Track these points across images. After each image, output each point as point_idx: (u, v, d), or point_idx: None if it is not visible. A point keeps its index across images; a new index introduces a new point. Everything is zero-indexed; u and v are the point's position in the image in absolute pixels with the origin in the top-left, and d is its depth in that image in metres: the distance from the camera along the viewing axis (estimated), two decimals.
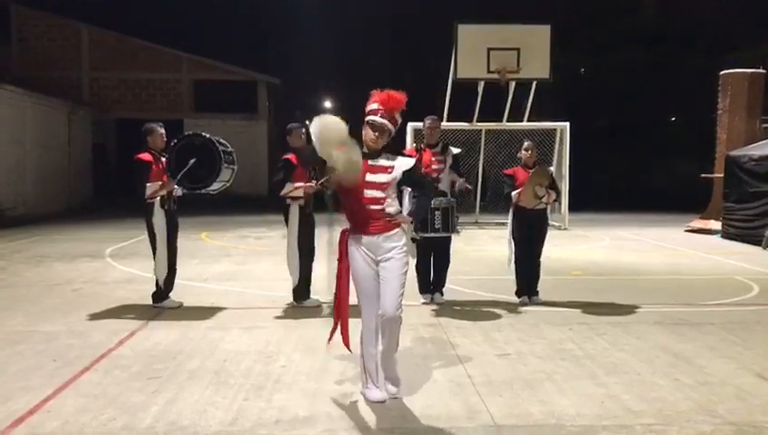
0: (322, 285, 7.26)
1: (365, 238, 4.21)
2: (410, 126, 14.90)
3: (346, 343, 4.45)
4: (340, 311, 4.41)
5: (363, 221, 4.22)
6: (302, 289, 6.99)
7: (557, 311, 6.89)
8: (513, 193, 7.09)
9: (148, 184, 6.63)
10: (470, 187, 7.40)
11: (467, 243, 12.32)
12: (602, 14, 28.51)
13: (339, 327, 4.45)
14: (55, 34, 26.21)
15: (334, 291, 4.46)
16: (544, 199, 7.06)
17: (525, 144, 7.34)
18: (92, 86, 26.48)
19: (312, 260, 7.06)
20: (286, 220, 6.95)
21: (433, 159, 7.05)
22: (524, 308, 7.01)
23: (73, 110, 22.43)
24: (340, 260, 4.35)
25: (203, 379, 4.66)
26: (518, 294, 7.32)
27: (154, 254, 6.85)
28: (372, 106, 4.23)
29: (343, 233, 4.33)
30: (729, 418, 4.00)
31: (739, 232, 13.32)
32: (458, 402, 4.23)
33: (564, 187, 15.84)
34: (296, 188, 6.73)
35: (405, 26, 35.19)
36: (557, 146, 16.28)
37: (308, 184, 6.76)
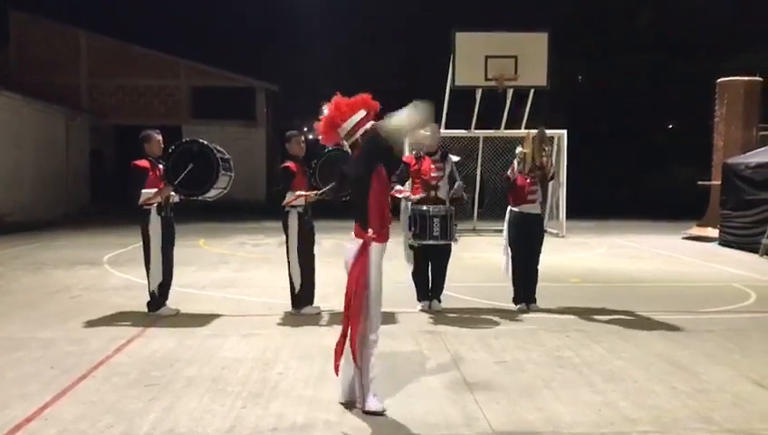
0: (322, 292, 7.27)
1: (383, 246, 4.21)
2: None
3: (337, 364, 4.20)
4: (350, 325, 4.13)
5: (387, 226, 4.20)
6: (301, 296, 6.98)
7: (555, 318, 6.90)
8: (515, 164, 7.10)
9: (143, 190, 6.64)
10: (465, 197, 7.41)
11: (465, 250, 12.32)
12: (600, 21, 28.63)
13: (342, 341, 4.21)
14: (54, 40, 26.25)
15: (346, 304, 4.16)
16: (545, 157, 7.10)
17: (517, 151, 7.36)
18: (91, 92, 26.52)
19: (312, 267, 7.06)
20: (285, 227, 6.95)
21: (432, 166, 7.06)
22: (522, 315, 7.02)
23: (71, 116, 22.47)
24: (360, 270, 4.10)
25: (200, 386, 4.66)
26: (515, 301, 7.34)
27: (146, 261, 6.84)
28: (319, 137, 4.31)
29: (366, 242, 4.12)
30: (726, 425, 4.01)
31: (736, 239, 13.35)
32: (456, 410, 4.24)
33: (562, 194, 15.88)
34: (298, 197, 6.74)
35: (404, 33, 35.32)
36: (554, 153, 16.28)
37: (308, 193, 6.77)
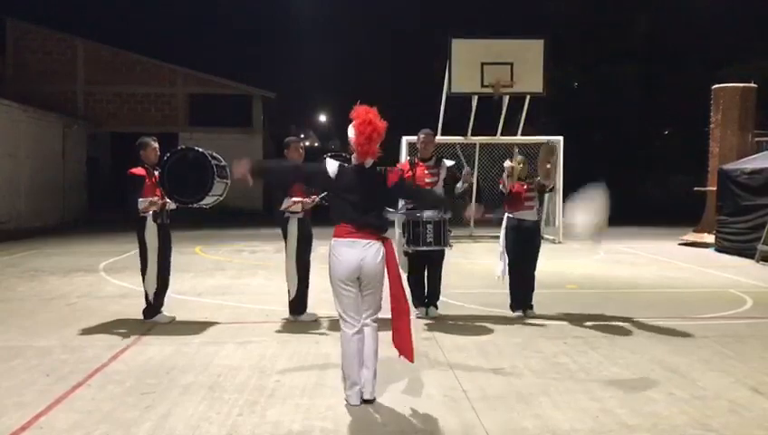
0: (319, 299, 7.25)
1: None
2: (404, 139, 14.95)
3: (411, 354, 4.58)
4: (405, 321, 4.56)
5: None
6: (298, 303, 6.97)
7: (552, 324, 6.89)
8: (505, 179, 7.16)
9: (140, 199, 6.63)
10: (471, 175, 7.53)
11: (462, 256, 12.33)
12: (596, 28, 28.71)
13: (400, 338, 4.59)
14: (51, 48, 26.25)
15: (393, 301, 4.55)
16: (551, 175, 7.16)
17: (518, 158, 7.36)
18: (87, 100, 26.50)
19: (308, 273, 7.04)
20: (284, 234, 6.94)
21: (426, 172, 7.07)
22: (519, 322, 7.01)
23: (68, 124, 22.43)
24: (395, 267, 4.55)
25: (197, 394, 4.64)
26: (512, 307, 7.33)
27: (143, 268, 6.82)
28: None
29: (388, 243, 4.52)
30: (724, 432, 4.00)
31: (732, 245, 13.37)
32: (453, 417, 4.23)
33: (558, 200, 15.88)
34: (295, 203, 6.73)
35: (401, 40, 35.41)
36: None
37: (306, 199, 6.77)
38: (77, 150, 23.14)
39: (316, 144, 45.17)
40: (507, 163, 7.27)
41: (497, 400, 4.54)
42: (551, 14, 28.27)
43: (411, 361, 4.59)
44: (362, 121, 4.36)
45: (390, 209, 6.15)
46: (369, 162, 4.51)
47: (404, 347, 4.53)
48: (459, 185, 7.08)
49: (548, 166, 7.13)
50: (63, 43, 26.43)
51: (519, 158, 7.32)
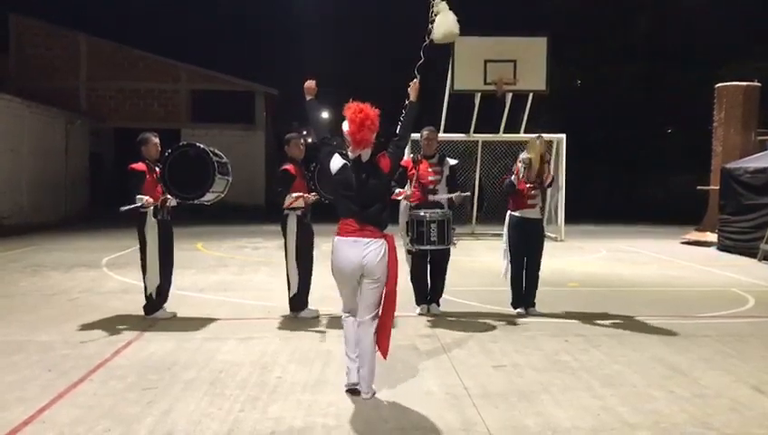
0: (323, 295, 7.26)
1: None
2: None
3: (386, 351, 4.64)
4: (391, 319, 4.64)
5: None
6: (299, 299, 6.97)
7: (553, 322, 6.89)
8: (521, 170, 6.99)
9: (137, 196, 6.63)
10: (467, 193, 7.45)
11: (464, 254, 12.32)
12: (598, 27, 28.66)
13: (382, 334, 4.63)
14: (53, 44, 26.23)
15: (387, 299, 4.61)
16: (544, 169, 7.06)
17: (534, 141, 7.24)
18: (90, 96, 26.48)
19: (310, 270, 7.05)
20: (284, 230, 6.94)
21: (430, 169, 7.06)
22: (521, 319, 7.01)
23: (71, 119, 22.42)
24: (395, 265, 4.57)
25: (198, 390, 4.65)
26: (514, 305, 7.33)
27: (142, 265, 6.83)
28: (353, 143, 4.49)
29: (390, 240, 4.55)
30: (724, 430, 4.00)
31: (735, 244, 13.36)
32: (454, 414, 4.23)
33: (561, 198, 15.89)
34: (297, 199, 6.73)
35: (403, 37, 35.34)
36: (553, 158, 16.31)
37: (307, 195, 6.77)
38: (80, 146, 23.13)
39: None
40: (524, 155, 7.04)
41: (498, 397, 4.55)
42: (551, 14, 28.23)
43: (384, 357, 4.67)
44: (354, 110, 4.42)
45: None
46: (366, 154, 4.53)
47: (381, 342, 4.60)
48: (455, 197, 7.11)
49: (532, 156, 6.94)
50: (66, 38, 26.41)
51: (535, 141, 7.06)
